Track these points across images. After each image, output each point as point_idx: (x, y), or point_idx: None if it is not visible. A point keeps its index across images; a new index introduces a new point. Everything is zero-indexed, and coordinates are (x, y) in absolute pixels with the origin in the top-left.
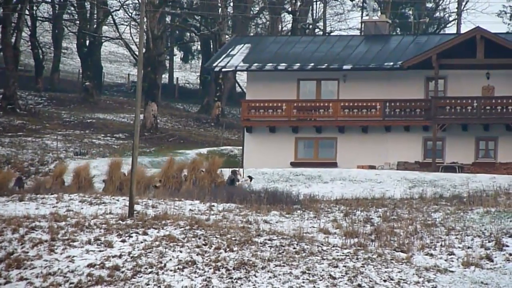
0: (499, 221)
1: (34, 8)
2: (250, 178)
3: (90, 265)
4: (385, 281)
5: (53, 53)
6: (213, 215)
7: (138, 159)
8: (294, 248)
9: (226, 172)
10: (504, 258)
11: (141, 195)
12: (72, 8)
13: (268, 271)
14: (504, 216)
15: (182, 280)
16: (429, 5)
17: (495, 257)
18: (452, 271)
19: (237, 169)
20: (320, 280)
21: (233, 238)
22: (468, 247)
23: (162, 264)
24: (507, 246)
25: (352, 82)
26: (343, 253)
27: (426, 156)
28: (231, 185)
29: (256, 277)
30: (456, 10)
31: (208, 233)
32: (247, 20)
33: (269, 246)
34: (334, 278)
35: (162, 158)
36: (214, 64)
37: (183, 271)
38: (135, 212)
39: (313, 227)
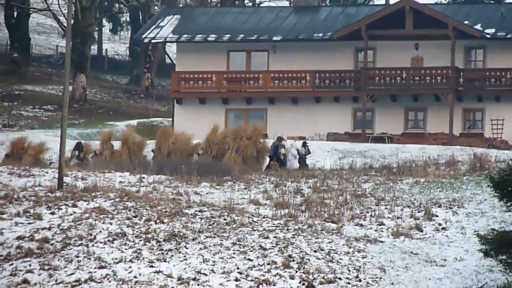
0: (429, 192)
1: None
2: (305, 144)
3: (19, 238)
4: (315, 251)
5: None
6: (143, 187)
7: (67, 130)
8: (225, 220)
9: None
10: (434, 228)
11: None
12: None
13: (199, 243)
14: (434, 186)
15: (112, 252)
16: None
17: (425, 227)
18: (382, 241)
19: (282, 134)
20: (251, 251)
21: (164, 210)
22: (398, 217)
23: (92, 236)
24: (437, 216)
25: (282, 54)
26: (273, 224)
27: (356, 127)
28: (275, 152)
29: (187, 248)
30: None
31: (138, 205)
32: None
33: (199, 218)
34: (265, 249)
35: (92, 130)
36: (144, 36)
37: (113, 243)
38: (64, 184)
39: (244, 198)
